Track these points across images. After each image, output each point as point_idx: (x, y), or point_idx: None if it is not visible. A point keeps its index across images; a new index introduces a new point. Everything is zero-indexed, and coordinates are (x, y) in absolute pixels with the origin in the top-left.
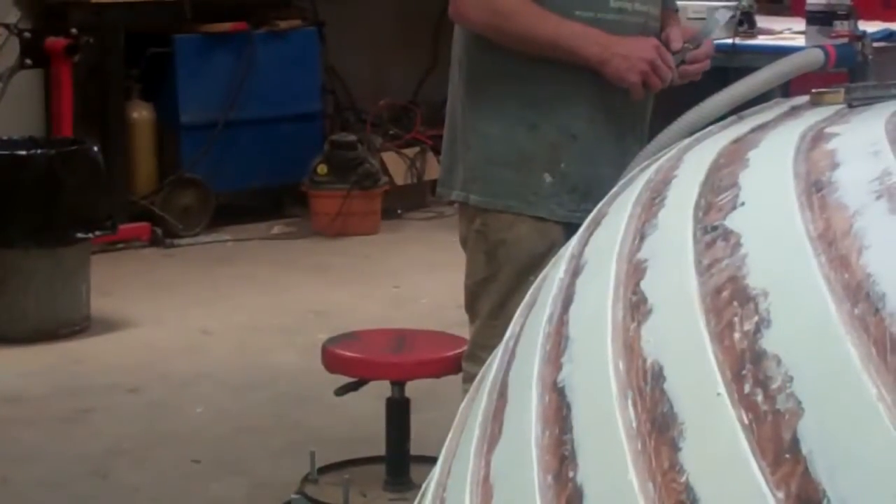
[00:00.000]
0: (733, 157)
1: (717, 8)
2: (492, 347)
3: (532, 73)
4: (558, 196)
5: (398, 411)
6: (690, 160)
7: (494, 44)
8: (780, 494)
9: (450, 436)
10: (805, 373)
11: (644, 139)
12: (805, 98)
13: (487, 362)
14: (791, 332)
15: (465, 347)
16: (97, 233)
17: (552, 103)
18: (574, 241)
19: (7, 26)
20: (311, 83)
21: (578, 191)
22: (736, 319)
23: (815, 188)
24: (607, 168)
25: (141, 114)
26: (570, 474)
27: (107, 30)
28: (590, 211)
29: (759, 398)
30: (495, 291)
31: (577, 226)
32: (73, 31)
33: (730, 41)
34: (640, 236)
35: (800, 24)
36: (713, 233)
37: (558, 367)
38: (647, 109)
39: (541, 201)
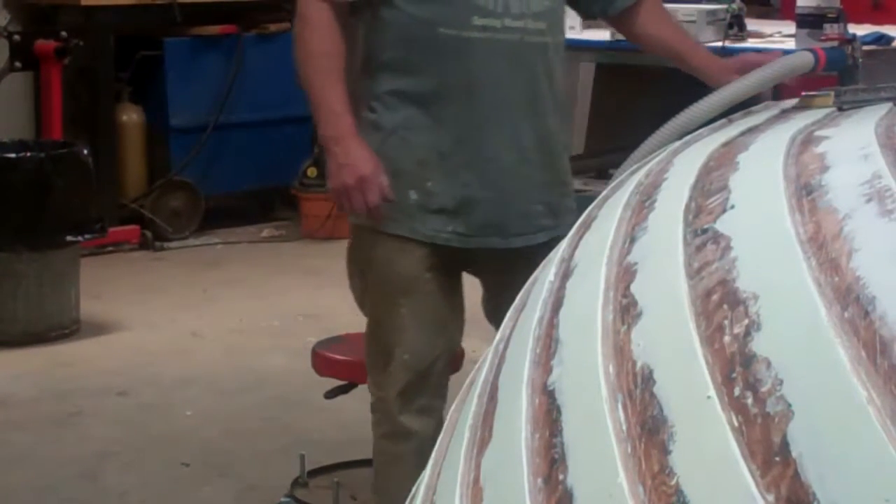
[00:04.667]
0: (723, 160)
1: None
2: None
3: (392, 86)
4: (422, 215)
5: None
6: (680, 163)
7: (376, 60)
8: (770, 497)
9: (440, 438)
10: (795, 376)
11: (542, 163)
12: (795, 101)
13: (477, 365)
14: (781, 335)
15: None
16: (87, 236)
17: (419, 122)
18: (564, 244)
19: None
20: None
21: (446, 211)
22: (726, 322)
23: (806, 191)
24: (482, 191)
25: (131, 117)
26: (561, 477)
27: (96, 32)
28: (458, 233)
29: (749, 401)
30: (370, 312)
31: (450, 247)
32: (63, 33)
33: (719, 44)
34: (631, 239)
35: (789, 27)
36: (703, 236)
37: (548, 370)
38: (536, 132)
39: (403, 220)
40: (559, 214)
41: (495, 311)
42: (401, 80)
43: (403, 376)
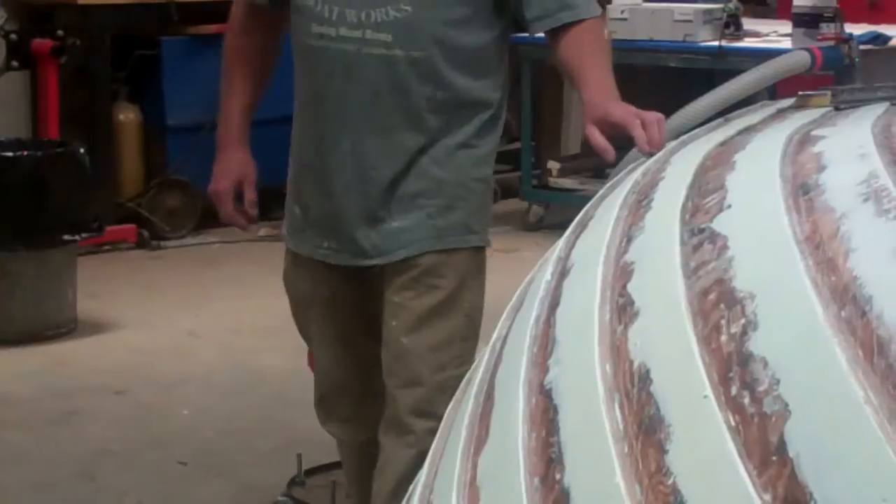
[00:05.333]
0: (720, 159)
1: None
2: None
3: (295, 98)
4: (303, 231)
5: None
6: (677, 163)
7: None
8: (767, 497)
9: (437, 438)
10: (792, 375)
11: (397, 182)
12: (791, 101)
13: (474, 365)
14: (778, 335)
15: None
16: (83, 235)
17: (295, 133)
18: (561, 243)
19: None
20: None
21: (319, 226)
22: (723, 322)
23: (802, 191)
24: (335, 206)
25: (127, 116)
26: (557, 477)
27: (93, 32)
28: (332, 249)
29: (746, 401)
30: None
31: (342, 267)
32: (60, 32)
33: (716, 43)
34: (627, 239)
35: (786, 26)
36: (700, 235)
37: (545, 370)
38: (385, 151)
39: (293, 235)
40: (437, 230)
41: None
42: (294, 89)
43: (318, 389)
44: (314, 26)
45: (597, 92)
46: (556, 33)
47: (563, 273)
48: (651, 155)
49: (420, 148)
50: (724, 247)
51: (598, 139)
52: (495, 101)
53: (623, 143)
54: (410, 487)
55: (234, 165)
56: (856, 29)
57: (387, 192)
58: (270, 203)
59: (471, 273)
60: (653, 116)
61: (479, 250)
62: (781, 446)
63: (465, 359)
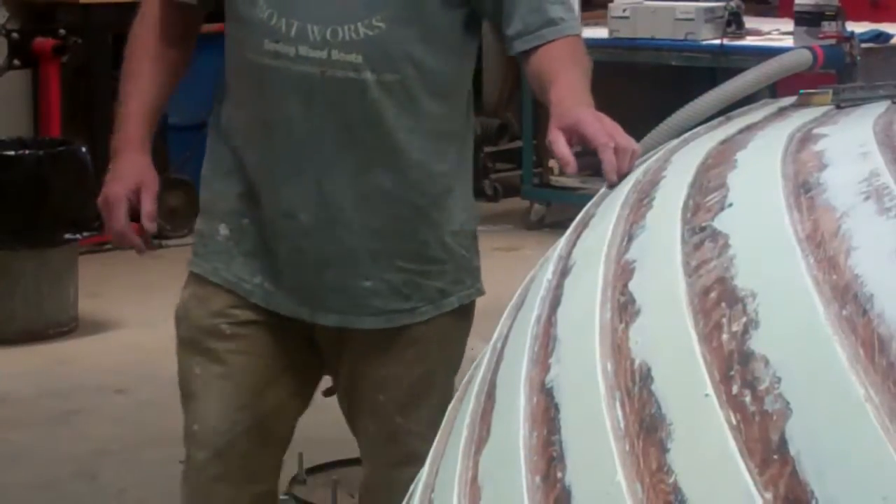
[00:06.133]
0: (721, 158)
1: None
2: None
3: (226, 114)
4: (229, 255)
5: None
6: (678, 161)
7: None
8: (769, 495)
9: (438, 437)
10: (793, 374)
11: (373, 230)
12: (793, 99)
13: (475, 363)
14: (779, 334)
15: None
16: (85, 233)
17: (225, 148)
18: (562, 242)
19: None
20: None
21: (256, 257)
22: (724, 320)
23: (804, 189)
24: (285, 251)
25: None
26: (559, 475)
27: (95, 31)
28: (265, 288)
29: (748, 399)
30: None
31: (269, 312)
32: (61, 31)
33: (718, 42)
34: (628, 237)
35: (788, 24)
36: (701, 234)
37: (546, 368)
38: (358, 191)
39: (208, 257)
40: (414, 297)
41: (349, 409)
42: (226, 104)
43: (193, 452)
44: (267, 42)
45: (567, 94)
46: (532, 49)
47: (564, 272)
48: (613, 185)
49: (398, 191)
50: (726, 245)
51: (562, 148)
52: (469, 135)
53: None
54: (411, 487)
55: (130, 170)
56: (857, 27)
57: (360, 243)
58: None
59: (458, 328)
60: (628, 143)
61: (462, 314)
62: (782, 445)
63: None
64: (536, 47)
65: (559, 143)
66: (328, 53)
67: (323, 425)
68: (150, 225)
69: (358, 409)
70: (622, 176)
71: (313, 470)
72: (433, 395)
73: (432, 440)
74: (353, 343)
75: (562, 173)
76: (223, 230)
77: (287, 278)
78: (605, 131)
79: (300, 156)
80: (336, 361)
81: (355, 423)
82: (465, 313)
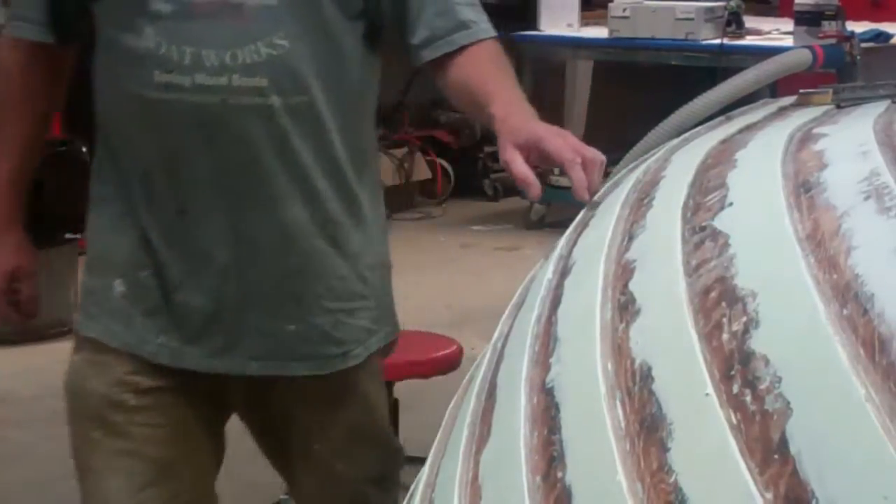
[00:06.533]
0: (721, 157)
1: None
2: None
3: (112, 157)
4: (127, 314)
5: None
6: (678, 161)
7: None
8: (769, 495)
9: (438, 436)
10: (793, 373)
11: (290, 268)
12: (793, 98)
13: (476, 363)
14: (779, 333)
15: (453, 348)
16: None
17: (138, 194)
18: (562, 241)
19: None
20: None
21: (158, 314)
22: (724, 320)
23: (804, 189)
24: (198, 296)
25: None
26: (559, 475)
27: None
28: (170, 347)
29: (748, 398)
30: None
31: (176, 370)
32: None
33: (718, 42)
34: (629, 237)
35: (788, 24)
36: (701, 233)
37: (547, 368)
38: (271, 227)
39: (102, 318)
40: (346, 341)
41: (279, 460)
42: (110, 147)
43: None
44: (157, 74)
45: (513, 108)
46: (446, 58)
47: (564, 271)
48: (587, 202)
49: (313, 223)
50: (726, 245)
51: (522, 168)
52: (376, 154)
53: (624, 141)
54: (412, 486)
55: (2, 255)
56: (858, 27)
57: (280, 284)
58: None
59: (381, 373)
60: (594, 156)
61: (387, 349)
62: (783, 444)
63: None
64: (449, 55)
65: (517, 163)
66: (229, 80)
67: None
68: (31, 308)
69: (290, 460)
70: (594, 192)
71: None
72: (377, 438)
73: (384, 490)
74: (280, 391)
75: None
76: (119, 286)
77: (198, 330)
78: (568, 146)
79: (209, 194)
80: (256, 411)
81: (289, 473)
82: (386, 354)
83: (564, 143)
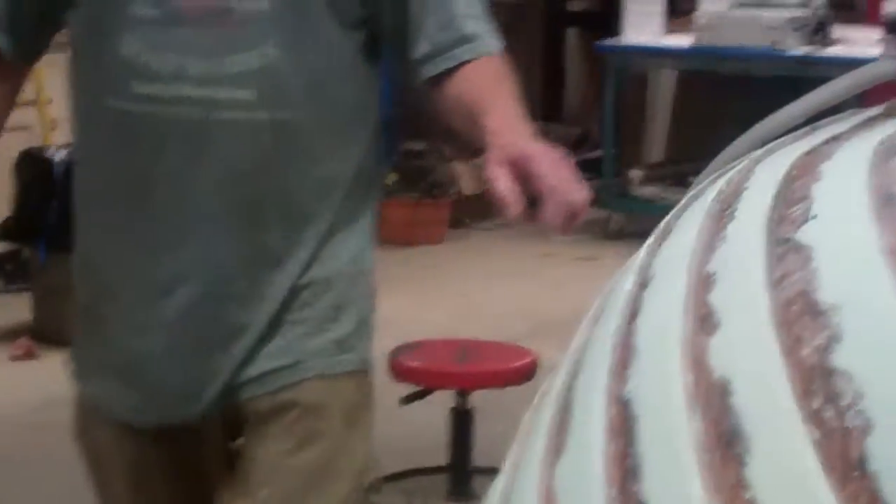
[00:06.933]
0: (806, 169)
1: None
2: None
3: (79, 178)
4: (98, 368)
5: (462, 421)
6: (762, 172)
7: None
8: None
9: (513, 446)
10: (876, 389)
11: (255, 297)
12: (880, 109)
13: (552, 373)
14: (862, 348)
15: (529, 358)
16: None
17: (86, 228)
18: (642, 252)
19: None
20: None
21: (122, 370)
22: (806, 334)
23: (889, 201)
24: (167, 338)
25: None
26: (635, 488)
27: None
28: (135, 408)
29: (829, 414)
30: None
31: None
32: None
33: (804, 52)
34: (710, 248)
35: (876, 32)
36: (784, 246)
37: (624, 380)
38: (244, 255)
39: (85, 372)
40: (306, 349)
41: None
42: (80, 170)
43: None
44: (136, 85)
45: (507, 123)
46: (444, 73)
47: (643, 282)
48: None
49: (289, 249)
50: (809, 258)
51: (505, 187)
52: (373, 173)
53: (707, 151)
54: (486, 497)
55: None
56: None
57: (253, 318)
58: None
59: (359, 408)
60: (580, 196)
61: (365, 377)
62: (863, 462)
63: None
64: (450, 70)
65: (501, 181)
66: (214, 91)
67: (399, 434)
68: None
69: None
70: (566, 233)
71: (388, 478)
72: (329, 488)
73: None
74: (230, 424)
75: (643, 182)
76: (77, 336)
77: (150, 377)
78: (556, 172)
79: (185, 217)
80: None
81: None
82: (366, 384)
83: (554, 167)
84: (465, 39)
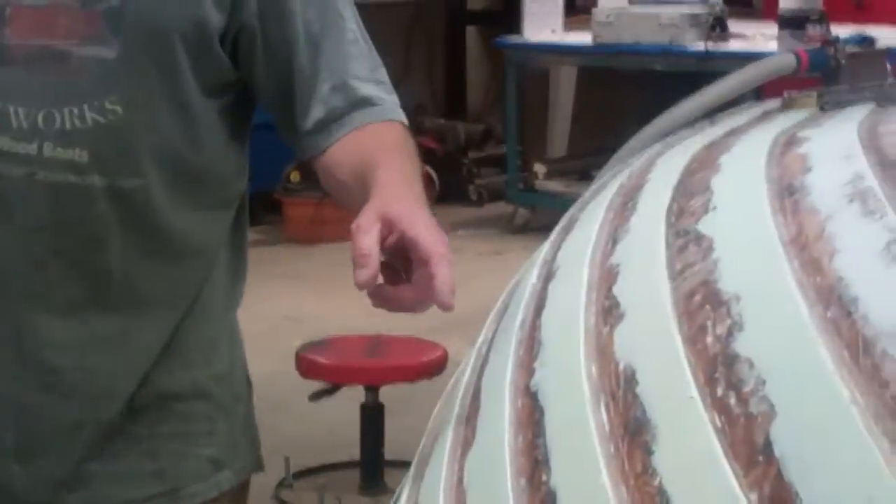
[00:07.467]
0: (705, 161)
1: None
2: None
3: None
4: None
5: (372, 416)
6: (662, 165)
7: None
8: (754, 496)
9: (423, 440)
10: (778, 376)
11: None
12: (777, 102)
13: (460, 367)
14: (763, 336)
15: (438, 353)
16: None
17: None
18: (546, 246)
19: None
20: None
21: None
22: (708, 323)
23: (788, 192)
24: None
25: None
26: (544, 478)
27: None
28: None
29: (732, 401)
30: None
31: None
32: None
33: (702, 47)
34: (613, 241)
35: (772, 28)
36: (685, 237)
37: (531, 372)
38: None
39: None
40: (180, 474)
41: None
42: None
43: None
44: None
45: (399, 180)
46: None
47: (548, 276)
48: (448, 307)
49: (135, 336)
50: (710, 248)
51: (368, 241)
52: (237, 244)
53: (608, 146)
54: (397, 490)
55: None
56: (842, 30)
57: (87, 417)
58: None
59: None
60: (448, 306)
61: (244, 487)
62: (767, 447)
63: None
64: (343, 136)
65: (369, 235)
66: (39, 148)
67: (310, 430)
68: None
69: None
70: (447, 308)
71: (300, 474)
72: None
73: None
74: None
75: (548, 177)
76: None
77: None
78: (442, 246)
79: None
80: None
81: None
82: (242, 497)
83: (440, 236)
84: (365, 102)
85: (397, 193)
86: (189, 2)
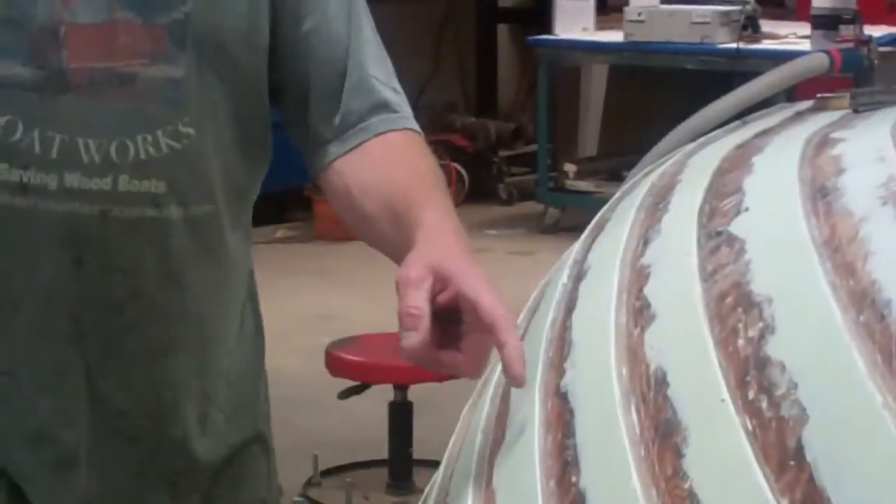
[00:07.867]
0: (738, 162)
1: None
2: None
3: None
4: None
5: (401, 415)
6: (694, 165)
7: None
8: (785, 501)
9: (452, 440)
10: (810, 379)
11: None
12: (810, 103)
13: (490, 367)
14: (796, 339)
15: None
16: None
17: None
18: (577, 246)
19: None
20: None
21: None
22: (740, 325)
23: (821, 194)
24: (60, 481)
25: None
26: (573, 480)
27: None
28: None
29: (764, 405)
30: None
31: None
32: None
33: (734, 46)
34: (644, 241)
35: (805, 28)
36: (717, 238)
37: (561, 372)
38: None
39: None
40: None
41: None
42: None
43: None
44: (6, 171)
45: (447, 227)
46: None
47: (579, 276)
48: (520, 384)
49: (199, 379)
50: (742, 250)
51: (418, 299)
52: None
53: (639, 145)
54: (426, 490)
55: None
56: (875, 30)
57: (153, 473)
58: (287, 205)
59: None
60: (523, 353)
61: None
62: (799, 451)
63: None
64: (360, 144)
65: (419, 291)
66: (113, 182)
67: (338, 428)
68: None
69: None
70: (520, 382)
71: (328, 472)
72: None
73: None
74: None
75: (578, 177)
76: None
77: None
78: (506, 311)
79: (64, 347)
80: None
81: None
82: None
83: (501, 304)
84: (384, 107)
85: (448, 244)
86: (246, 10)
